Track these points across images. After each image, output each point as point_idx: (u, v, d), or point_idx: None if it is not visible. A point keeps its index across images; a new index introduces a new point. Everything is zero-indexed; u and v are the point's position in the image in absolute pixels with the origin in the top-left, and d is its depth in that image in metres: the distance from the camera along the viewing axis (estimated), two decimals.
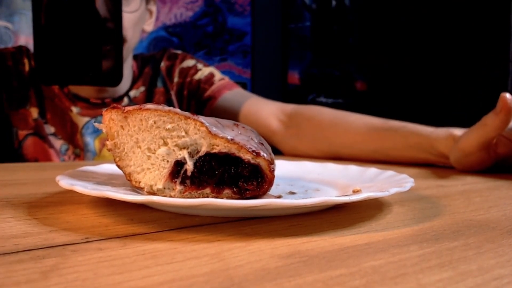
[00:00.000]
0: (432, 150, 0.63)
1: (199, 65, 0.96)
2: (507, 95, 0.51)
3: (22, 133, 0.83)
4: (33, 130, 0.84)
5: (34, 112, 0.84)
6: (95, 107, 0.86)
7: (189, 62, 0.96)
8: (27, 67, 0.86)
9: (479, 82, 1.97)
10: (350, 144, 0.73)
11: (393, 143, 0.68)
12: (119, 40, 0.49)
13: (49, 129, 0.84)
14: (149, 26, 0.91)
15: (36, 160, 0.83)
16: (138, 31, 0.86)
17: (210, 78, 0.94)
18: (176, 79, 0.95)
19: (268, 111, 0.87)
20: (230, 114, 0.88)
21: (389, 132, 0.68)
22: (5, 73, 0.84)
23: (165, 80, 0.95)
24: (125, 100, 0.90)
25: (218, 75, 0.96)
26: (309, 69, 2.51)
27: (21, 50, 0.87)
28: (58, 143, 0.84)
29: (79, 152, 0.85)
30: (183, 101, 0.95)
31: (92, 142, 0.85)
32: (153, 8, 0.92)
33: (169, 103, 0.94)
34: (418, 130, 0.65)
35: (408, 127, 0.67)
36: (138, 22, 0.84)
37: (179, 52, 0.99)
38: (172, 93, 0.95)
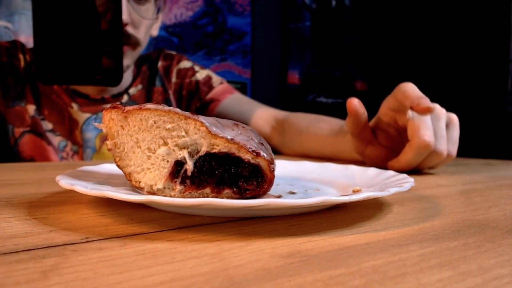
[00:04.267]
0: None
1: (196, 67, 1.01)
2: (354, 100, 0.57)
3: (18, 130, 0.83)
4: (29, 127, 0.83)
5: (31, 109, 0.84)
6: (95, 103, 0.86)
7: (186, 64, 1.00)
8: (22, 63, 0.85)
9: (479, 82, 1.97)
10: (315, 149, 0.79)
11: (342, 147, 0.73)
12: (120, 40, 0.49)
13: (47, 125, 0.84)
14: (155, 30, 0.95)
15: (32, 157, 0.83)
16: (148, 35, 0.90)
17: (208, 80, 0.99)
18: (174, 79, 0.98)
19: (263, 117, 0.94)
20: (230, 118, 0.91)
21: (340, 137, 0.74)
22: None
23: (163, 80, 0.97)
24: (125, 97, 0.91)
25: (215, 77, 1.01)
26: (309, 69, 2.51)
27: (15, 45, 0.87)
28: (56, 139, 0.84)
29: (78, 149, 0.85)
30: (182, 101, 0.97)
31: (93, 139, 0.85)
32: (160, 15, 0.95)
33: (167, 102, 0.97)
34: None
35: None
36: (149, 28, 0.89)
37: (173, 52, 1.02)
38: (170, 92, 0.97)
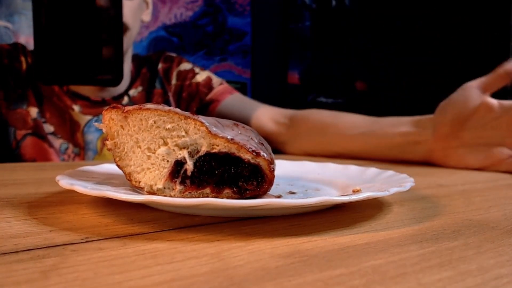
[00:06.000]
0: (416, 149, 0.66)
1: (196, 69, 1.00)
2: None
3: (20, 133, 0.83)
4: (32, 130, 0.83)
5: (33, 112, 0.84)
6: (96, 105, 0.86)
7: (186, 66, 0.99)
8: (24, 65, 0.85)
9: None
10: (341, 145, 0.77)
11: (376, 144, 0.72)
12: (120, 40, 0.49)
13: (48, 128, 0.84)
14: (147, 16, 0.93)
15: (34, 160, 0.83)
16: (137, 20, 0.88)
17: (208, 82, 0.99)
18: (174, 81, 0.97)
19: (267, 115, 0.92)
20: (231, 118, 0.90)
21: (373, 133, 0.73)
22: (1, 71, 0.84)
23: (163, 82, 0.97)
24: (125, 99, 0.91)
25: (215, 79, 1.00)
26: (309, 69, 2.51)
27: (16, 47, 0.86)
28: (57, 142, 0.84)
29: (79, 151, 0.85)
30: (182, 103, 0.97)
31: (94, 141, 0.85)
32: None
33: (167, 104, 0.96)
34: (402, 131, 0.68)
35: (392, 128, 0.71)
36: (137, 11, 0.86)
37: (174, 55, 1.02)
38: (170, 94, 0.97)
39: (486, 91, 0.59)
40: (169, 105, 0.96)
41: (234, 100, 0.96)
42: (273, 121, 0.90)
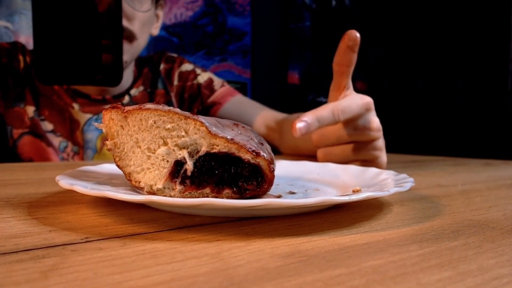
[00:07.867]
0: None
1: (198, 70, 1.01)
2: (356, 32, 0.51)
3: (17, 132, 0.83)
4: (29, 129, 0.83)
5: (30, 111, 0.84)
6: (96, 103, 0.86)
7: (188, 66, 1.00)
8: (22, 64, 0.85)
9: (479, 82, 1.97)
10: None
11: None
12: (119, 40, 0.49)
13: (47, 126, 0.84)
14: (156, 30, 0.94)
15: (31, 159, 0.83)
16: (146, 32, 0.88)
17: (210, 83, 0.99)
18: (176, 82, 0.98)
19: (261, 121, 0.94)
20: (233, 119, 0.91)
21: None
22: None
23: (165, 82, 0.97)
24: (126, 98, 0.91)
25: (216, 80, 1.01)
26: (309, 69, 2.51)
27: (16, 46, 0.86)
28: (56, 140, 0.84)
29: (78, 149, 0.84)
30: (184, 104, 0.98)
31: (94, 139, 0.85)
32: (160, 13, 0.94)
33: (169, 104, 0.96)
34: None
35: None
36: (147, 23, 0.86)
37: (175, 55, 1.02)
38: (172, 95, 0.97)
39: (340, 85, 0.55)
40: (171, 105, 0.96)
41: (236, 103, 0.97)
42: (265, 127, 0.92)
